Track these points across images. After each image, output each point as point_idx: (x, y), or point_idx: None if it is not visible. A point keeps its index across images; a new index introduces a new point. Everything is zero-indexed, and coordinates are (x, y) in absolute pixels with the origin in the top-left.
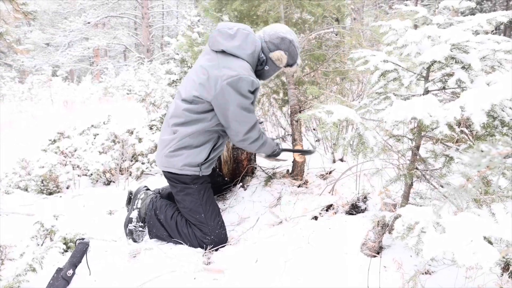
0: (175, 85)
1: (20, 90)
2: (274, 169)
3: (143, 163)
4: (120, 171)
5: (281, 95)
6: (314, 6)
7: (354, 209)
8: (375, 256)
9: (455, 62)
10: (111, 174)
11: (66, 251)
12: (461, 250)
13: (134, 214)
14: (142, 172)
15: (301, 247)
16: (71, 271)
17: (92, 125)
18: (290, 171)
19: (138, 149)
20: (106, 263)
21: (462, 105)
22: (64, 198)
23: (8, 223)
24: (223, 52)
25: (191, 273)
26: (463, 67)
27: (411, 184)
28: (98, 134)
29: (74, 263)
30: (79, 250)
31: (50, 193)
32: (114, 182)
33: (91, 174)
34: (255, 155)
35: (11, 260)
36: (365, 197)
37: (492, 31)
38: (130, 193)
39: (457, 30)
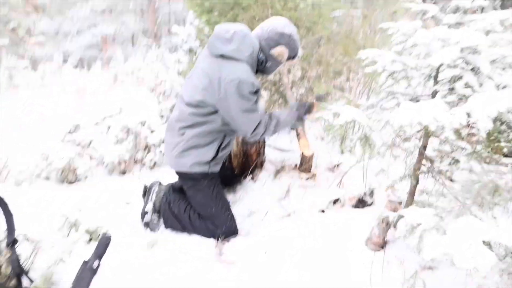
0: (184, 75)
1: (33, 78)
2: (283, 162)
3: (155, 154)
4: (134, 161)
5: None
6: (287, 11)
7: (361, 203)
8: (379, 251)
9: (465, 63)
10: (126, 164)
11: (89, 241)
12: (460, 253)
13: (149, 207)
14: (155, 163)
15: (307, 241)
16: (97, 263)
17: (105, 117)
18: (298, 165)
19: (150, 141)
20: (126, 254)
21: (469, 111)
22: (83, 188)
23: (34, 212)
24: (222, 56)
25: (205, 263)
26: (472, 69)
27: (417, 183)
28: (111, 126)
29: (99, 255)
30: (102, 244)
31: (70, 183)
32: (129, 171)
33: (107, 165)
34: (264, 149)
35: (42, 252)
36: (372, 192)
37: None
38: (145, 186)
39: (468, 31)
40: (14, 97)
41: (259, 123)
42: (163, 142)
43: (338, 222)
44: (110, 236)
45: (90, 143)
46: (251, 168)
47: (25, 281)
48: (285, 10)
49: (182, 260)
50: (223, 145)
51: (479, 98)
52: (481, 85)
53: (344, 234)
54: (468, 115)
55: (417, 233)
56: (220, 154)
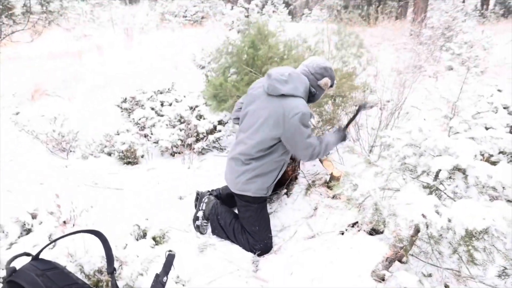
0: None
1: (83, 10)
2: (315, 175)
3: (202, 139)
4: (184, 146)
5: None
6: None
7: (374, 230)
8: (380, 282)
9: (458, 170)
10: (177, 148)
11: (154, 246)
12: None
13: (200, 214)
14: (203, 149)
15: (326, 265)
16: (165, 278)
17: (159, 90)
18: (328, 180)
19: (200, 130)
20: (181, 257)
21: (450, 217)
22: (140, 169)
23: (105, 198)
24: (282, 95)
25: (244, 278)
26: (463, 172)
27: (414, 242)
28: (164, 102)
29: (166, 272)
30: (169, 261)
31: (129, 163)
32: (179, 153)
33: (161, 147)
34: (299, 165)
35: (126, 265)
36: (384, 221)
37: None
38: (197, 193)
39: (467, 145)
40: (69, 33)
41: (315, 147)
42: (210, 133)
43: (353, 248)
44: (174, 254)
45: (146, 120)
46: (286, 183)
47: None
48: None
49: (226, 270)
50: (282, 170)
51: (459, 207)
52: (467, 188)
53: (356, 260)
54: (449, 220)
55: None
56: (277, 179)
